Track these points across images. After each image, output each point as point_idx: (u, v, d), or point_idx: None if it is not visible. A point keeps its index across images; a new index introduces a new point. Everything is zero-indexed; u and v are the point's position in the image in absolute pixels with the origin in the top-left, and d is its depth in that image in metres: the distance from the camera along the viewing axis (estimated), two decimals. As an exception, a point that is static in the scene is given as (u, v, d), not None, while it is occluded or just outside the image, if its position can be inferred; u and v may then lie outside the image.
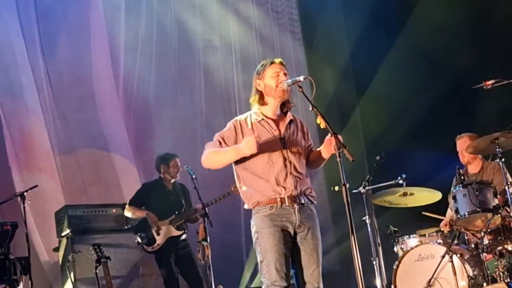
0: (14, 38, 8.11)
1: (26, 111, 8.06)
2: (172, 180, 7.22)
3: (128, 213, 7.13)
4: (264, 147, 4.23)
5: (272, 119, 4.35)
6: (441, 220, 6.67)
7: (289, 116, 4.41)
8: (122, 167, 8.55)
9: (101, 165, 8.49)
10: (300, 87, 4.24)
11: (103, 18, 8.72)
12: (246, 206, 4.34)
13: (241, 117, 4.42)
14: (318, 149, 4.39)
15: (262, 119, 4.34)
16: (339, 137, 4.06)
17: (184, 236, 7.06)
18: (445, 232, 6.52)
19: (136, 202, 7.15)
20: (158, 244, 6.96)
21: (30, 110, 8.07)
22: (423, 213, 6.79)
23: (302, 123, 4.49)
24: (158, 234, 6.94)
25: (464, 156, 6.69)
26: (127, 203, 7.21)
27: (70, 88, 8.43)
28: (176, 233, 7.00)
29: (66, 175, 8.22)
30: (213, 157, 4.26)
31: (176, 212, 7.03)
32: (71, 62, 8.47)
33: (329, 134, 4.12)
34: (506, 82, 6.01)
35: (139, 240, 6.97)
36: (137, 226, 7.10)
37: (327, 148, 4.25)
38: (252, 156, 4.22)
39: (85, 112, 8.45)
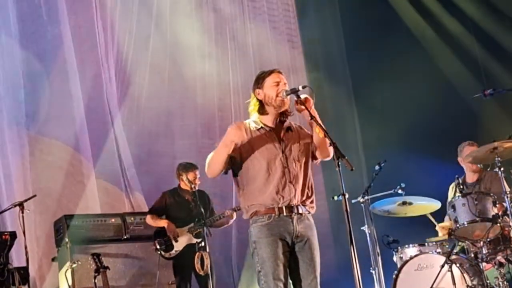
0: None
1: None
2: (191, 189, 7.20)
3: (149, 221, 7.19)
4: (263, 156, 4.25)
5: (271, 127, 4.36)
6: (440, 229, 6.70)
7: (286, 124, 4.41)
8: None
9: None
10: (299, 96, 4.24)
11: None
12: (244, 216, 4.34)
13: (241, 122, 4.43)
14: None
15: (261, 127, 4.34)
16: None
17: (202, 244, 7.04)
18: (441, 234, 6.53)
19: (156, 210, 7.23)
20: (175, 251, 7.01)
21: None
22: (427, 215, 6.78)
23: (299, 126, 4.46)
24: (176, 241, 6.99)
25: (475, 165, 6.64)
26: (148, 211, 7.32)
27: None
28: (195, 240, 6.99)
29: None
30: (209, 160, 4.28)
31: (195, 221, 7.03)
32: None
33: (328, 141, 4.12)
34: (504, 91, 6.03)
35: (157, 246, 7.02)
36: (156, 232, 7.12)
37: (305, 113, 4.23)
38: (251, 164, 4.24)
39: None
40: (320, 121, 4.20)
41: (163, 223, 7.07)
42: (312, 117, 4.16)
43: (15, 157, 7.88)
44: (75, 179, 8.24)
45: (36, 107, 8.18)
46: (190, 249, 6.98)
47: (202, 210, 6.96)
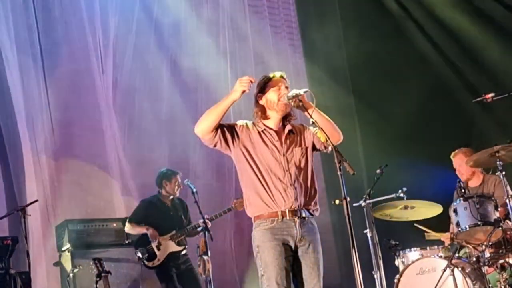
0: None
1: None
2: (171, 196, 7.23)
3: (128, 230, 7.17)
4: (264, 158, 4.27)
5: (274, 130, 4.37)
6: (432, 233, 6.72)
7: (287, 127, 4.41)
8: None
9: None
10: (300, 100, 4.25)
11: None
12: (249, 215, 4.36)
13: (247, 121, 4.45)
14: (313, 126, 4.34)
15: (264, 129, 4.35)
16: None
17: (184, 251, 7.06)
18: (446, 244, 6.52)
19: (135, 219, 7.18)
20: (158, 260, 6.97)
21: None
22: (415, 224, 6.80)
23: (300, 127, 4.47)
24: (159, 250, 6.96)
25: (462, 173, 6.70)
26: (127, 220, 7.24)
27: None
28: (177, 248, 7.01)
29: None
30: (205, 113, 4.28)
31: (177, 228, 7.04)
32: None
33: (330, 148, 4.13)
34: (506, 95, 6.04)
35: (140, 255, 6.97)
36: (137, 241, 7.11)
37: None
38: (253, 167, 4.26)
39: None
40: (321, 123, 4.21)
41: (143, 229, 7.02)
42: (313, 122, 4.17)
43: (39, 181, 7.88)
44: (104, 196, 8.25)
45: (61, 127, 8.20)
46: (173, 257, 6.99)
47: (183, 217, 6.99)
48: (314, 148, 4.42)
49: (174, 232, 7.03)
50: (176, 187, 7.20)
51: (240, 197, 6.32)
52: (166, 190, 7.21)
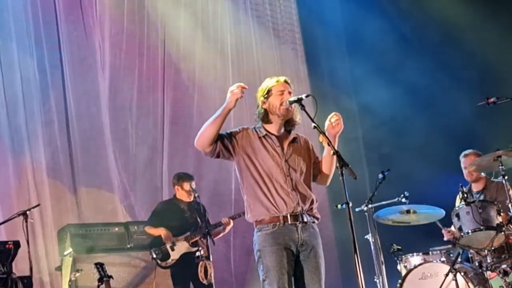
0: None
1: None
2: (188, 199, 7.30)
3: (148, 230, 7.28)
4: (265, 162, 4.27)
5: (276, 136, 4.37)
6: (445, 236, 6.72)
7: (292, 134, 4.42)
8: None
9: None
10: (302, 105, 4.25)
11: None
12: (250, 221, 4.35)
13: (248, 126, 4.45)
14: (324, 155, 4.37)
15: (266, 134, 4.36)
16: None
17: (199, 253, 7.08)
18: (445, 237, 6.53)
19: (153, 221, 7.30)
20: (172, 260, 7.08)
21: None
22: (436, 222, 6.73)
23: (306, 140, 4.50)
24: (173, 250, 7.06)
25: (472, 174, 6.65)
26: (146, 223, 7.37)
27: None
28: (190, 249, 7.07)
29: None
30: (203, 127, 4.27)
31: (192, 229, 7.09)
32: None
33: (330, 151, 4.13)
34: (508, 99, 6.03)
35: (154, 255, 7.08)
36: (152, 242, 7.20)
37: (330, 133, 4.25)
38: (254, 173, 4.26)
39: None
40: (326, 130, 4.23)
41: (160, 231, 7.14)
42: (316, 125, 4.16)
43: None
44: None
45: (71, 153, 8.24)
46: (187, 258, 7.04)
47: (198, 219, 7.01)
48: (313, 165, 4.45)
49: (188, 233, 7.09)
50: (186, 194, 7.24)
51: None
52: (179, 192, 7.29)
